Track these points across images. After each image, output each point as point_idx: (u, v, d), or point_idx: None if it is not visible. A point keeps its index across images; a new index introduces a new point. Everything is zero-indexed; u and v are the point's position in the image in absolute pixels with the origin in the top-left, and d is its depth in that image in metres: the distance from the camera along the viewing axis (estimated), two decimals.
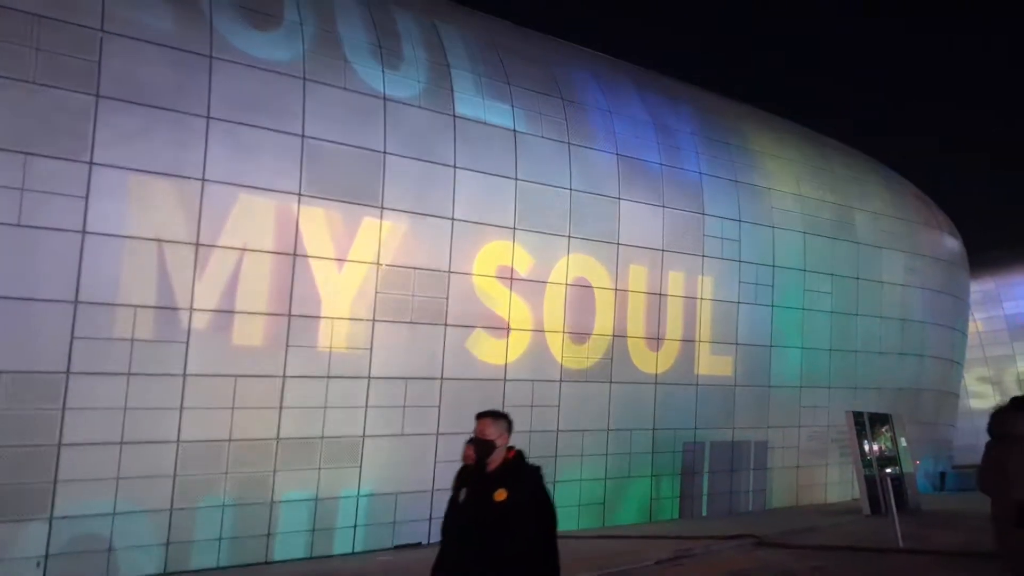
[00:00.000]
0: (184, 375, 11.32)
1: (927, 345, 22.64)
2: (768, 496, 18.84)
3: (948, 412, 24.95)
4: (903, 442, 17.55)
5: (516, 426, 16.06)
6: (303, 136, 12.50)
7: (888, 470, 16.22)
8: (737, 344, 18.02)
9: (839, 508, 17.40)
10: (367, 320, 12.99)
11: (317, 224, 12.54)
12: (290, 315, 12.23)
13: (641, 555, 9.98)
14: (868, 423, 16.84)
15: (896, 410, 19.10)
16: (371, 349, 13.01)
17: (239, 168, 11.93)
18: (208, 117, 11.70)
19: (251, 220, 11.99)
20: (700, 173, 17.62)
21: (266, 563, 11.76)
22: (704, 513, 17.38)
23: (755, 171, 18.73)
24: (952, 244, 24.56)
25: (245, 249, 11.90)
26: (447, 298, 13.87)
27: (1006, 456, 5.38)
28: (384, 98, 13.43)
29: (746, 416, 18.31)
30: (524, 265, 14.77)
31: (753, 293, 18.26)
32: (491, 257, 14.42)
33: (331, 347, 12.58)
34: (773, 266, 18.58)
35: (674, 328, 16.93)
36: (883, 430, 17.26)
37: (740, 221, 18.04)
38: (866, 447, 16.44)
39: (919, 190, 24.58)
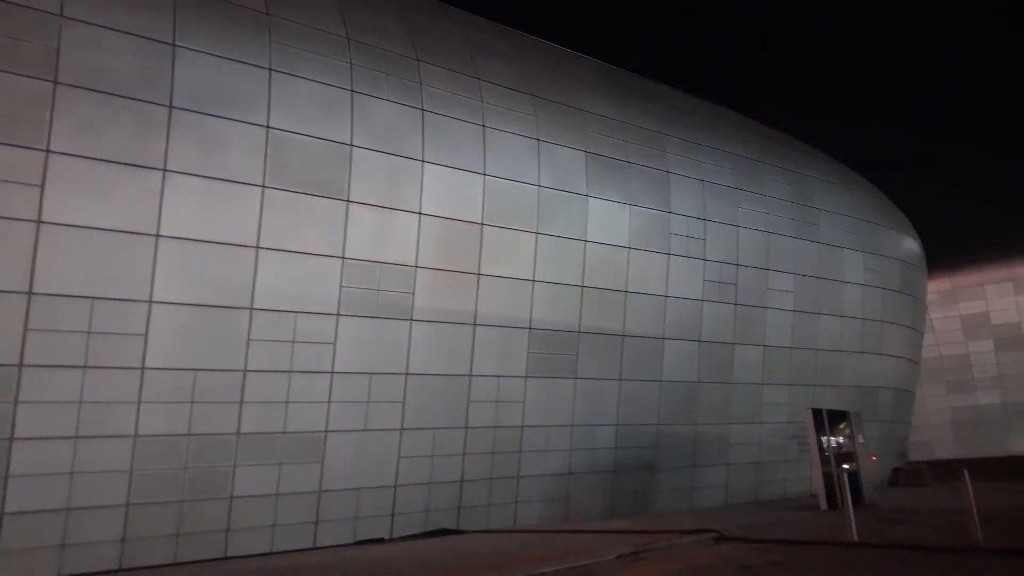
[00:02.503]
0: (142, 368, 11.14)
1: (886, 344, 23.11)
2: (729, 491, 19.11)
3: (905, 410, 25.53)
4: (860, 439, 17.90)
5: (480, 422, 16.06)
6: (268, 127, 12.35)
7: (845, 466, 16.54)
8: (700, 341, 18.23)
9: (797, 503, 17.70)
10: (331, 314, 12.88)
11: (281, 217, 12.40)
12: (252, 308, 12.09)
13: (602, 550, 10.04)
14: (827, 420, 17.15)
15: (855, 407, 19.50)
16: (335, 344, 12.91)
17: (202, 159, 11.74)
18: (171, 107, 11.50)
19: (213, 212, 11.82)
20: (667, 172, 17.76)
21: (224, 558, 11.63)
22: (666, 508, 17.57)
23: (721, 171, 18.92)
24: (911, 245, 25.09)
25: (207, 241, 11.73)
26: (413, 293, 13.82)
27: None
28: (352, 91, 13.31)
29: (708, 412, 18.55)
30: (491, 261, 14.75)
31: (717, 291, 18.48)
32: (458, 252, 14.39)
33: (294, 341, 12.46)
34: (737, 264, 18.82)
35: (639, 325, 17.06)
36: (842, 427, 17.59)
37: (706, 220, 18.23)
38: (824, 443, 16.74)
39: (880, 192, 25.05)
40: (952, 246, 32.72)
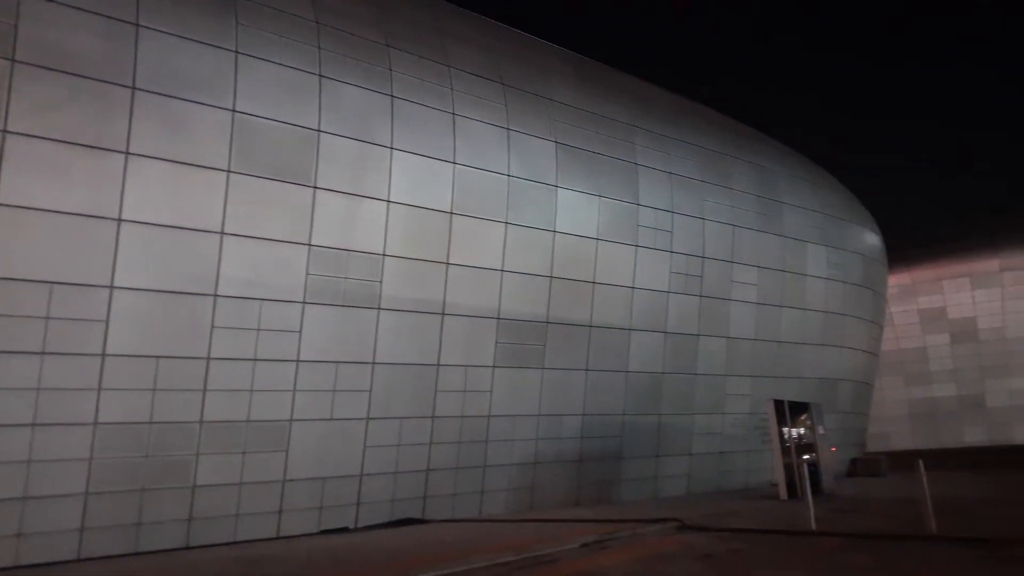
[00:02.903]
0: (103, 355, 10.93)
1: (847, 337, 23.57)
2: (692, 480, 19.39)
3: (864, 402, 26.10)
4: (820, 430, 18.27)
5: (447, 411, 16.01)
6: (234, 111, 12.14)
7: (806, 457, 16.87)
8: (666, 333, 18.41)
9: (758, 493, 18.03)
10: (297, 302, 12.76)
11: (246, 202, 12.22)
12: (216, 295, 11.91)
13: (567, 539, 10.14)
14: (788, 411, 17.46)
15: (816, 399, 19.89)
16: (301, 332, 12.79)
17: (165, 142, 11.51)
18: (133, 88, 11.24)
19: (177, 196, 11.60)
20: (636, 164, 17.85)
21: (186, 548, 11.51)
22: (630, 497, 17.77)
23: (688, 163, 19.08)
24: (873, 240, 25.58)
25: (170, 226, 11.52)
26: (381, 281, 13.73)
27: None
28: (320, 75, 13.15)
29: (672, 403, 18.78)
30: (460, 250, 14.72)
31: (683, 283, 18.67)
32: (427, 241, 14.32)
33: (259, 329, 12.32)
34: (703, 257, 19.02)
35: (607, 316, 17.18)
36: (802, 418, 17.92)
37: (673, 212, 18.38)
38: (786, 434, 17.05)
39: (844, 187, 25.49)
40: (912, 241, 33.40)
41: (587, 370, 16.97)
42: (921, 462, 10.49)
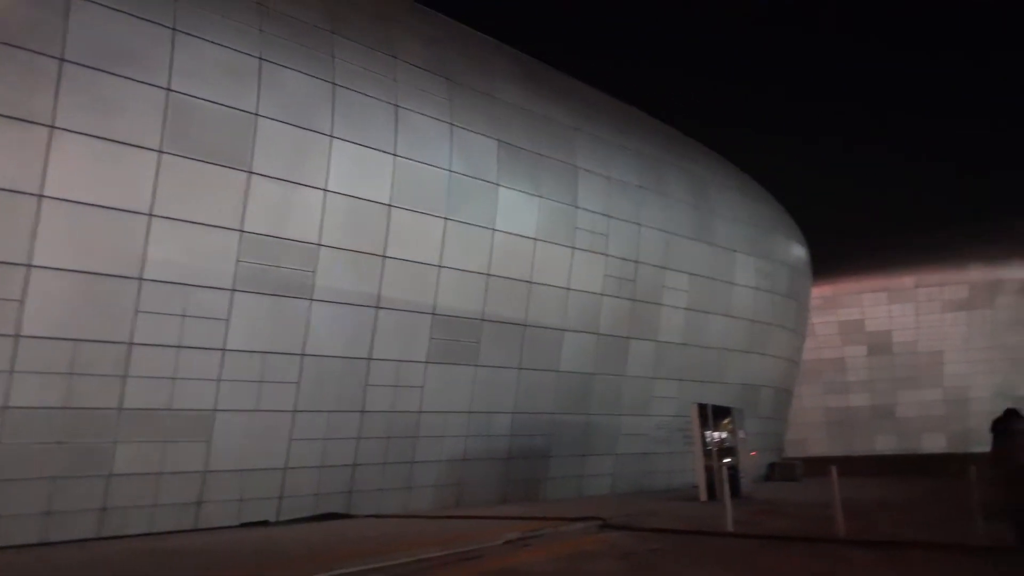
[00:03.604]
0: (17, 336, 10.45)
1: (770, 345, 24.38)
2: (616, 480, 19.74)
3: (783, 408, 27.04)
4: (741, 434, 18.84)
5: (377, 406, 15.87)
6: (168, 90, 11.76)
7: (726, 460, 17.37)
8: (598, 334, 18.69)
9: (680, 494, 18.47)
10: (226, 289, 12.45)
11: (178, 184, 11.84)
12: (142, 279, 11.53)
13: (491, 536, 10.20)
14: (712, 415, 17.94)
15: (738, 404, 20.50)
16: (228, 320, 12.49)
17: (94, 118, 11.06)
18: (62, 59, 10.77)
19: (104, 174, 11.17)
20: (576, 167, 18.05)
21: (98, 539, 11.11)
22: (556, 495, 17.98)
23: (627, 168, 19.39)
24: (799, 252, 26.51)
25: (95, 205, 11.08)
26: (314, 272, 13.52)
27: (1010, 443, 8.56)
28: (260, 58, 12.85)
29: (601, 403, 19.08)
30: (397, 243, 14.61)
31: (617, 286, 18.98)
32: (364, 232, 14.17)
33: (184, 315, 11.97)
34: (637, 262, 19.37)
35: (541, 315, 17.33)
36: (725, 422, 18.44)
37: (610, 217, 18.66)
38: (708, 438, 17.52)
39: (774, 199, 26.32)
40: (836, 255, 34.70)
41: (519, 368, 17.09)
42: (834, 468, 10.94)
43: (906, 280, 34.86)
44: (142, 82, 11.50)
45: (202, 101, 12.10)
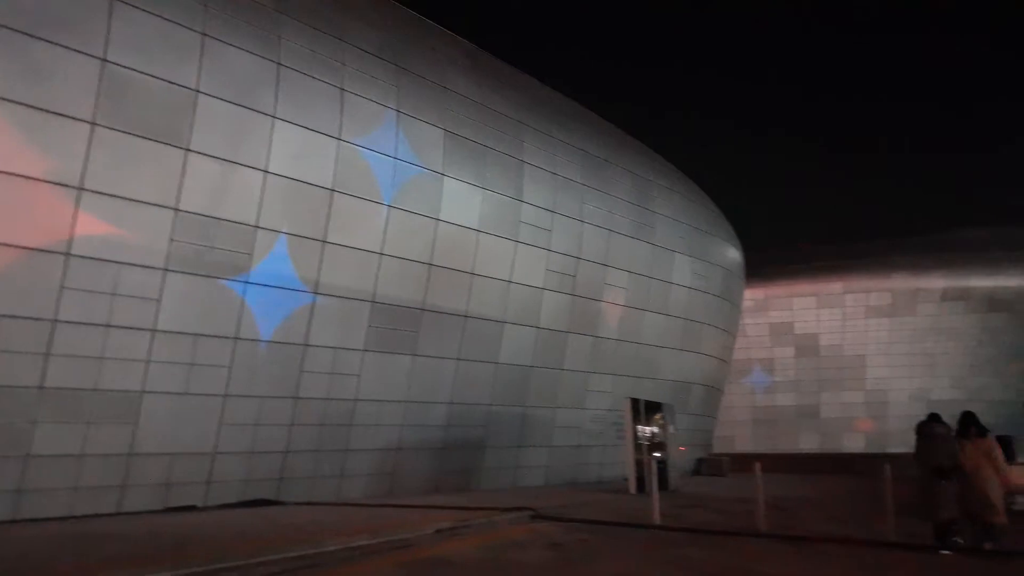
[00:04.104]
0: None
1: (703, 343, 24.97)
2: (550, 472, 19.98)
3: (713, 405, 27.76)
4: (672, 429, 19.29)
5: (311, 393, 15.68)
6: (104, 60, 11.36)
7: (657, 454, 17.75)
8: (538, 328, 18.85)
9: (611, 486, 18.80)
10: (158, 268, 12.12)
11: (110, 157, 11.45)
12: (69, 254, 11.13)
13: (422, 524, 10.22)
14: (644, 410, 18.31)
15: (670, 400, 20.97)
16: (160, 300, 12.17)
17: (22, 85, 10.61)
18: None
19: (31, 144, 10.73)
20: (522, 161, 18.13)
21: (13, 521, 10.72)
22: (490, 486, 18.10)
23: (571, 166, 19.57)
24: (734, 255, 27.21)
25: (20, 175, 10.64)
26: (251, 254, 13.27)
27: (932, 444, 9.16)
28: (203, 34, 12.51)
29: (537, 396, 19.27)
30: (338, 229, 14.44)
31: (558, 281, 19.16)
32: (304, 216, 13.97)
33: (114, 294, 11.61)
34: (578, 258, 19.59)
35: (482, 307, 17.38)
36: (656, 417, 18.85)
37: (554, 212, 18.81)
38: (639, 432, 17.89)
39: (712, 201, 26.94)
40: (769, 259, 35.74)
41: (458, 359, 17.11)
42: (758, 465, 11.32)
43: (835, 286, 36.15)
44: (76, 51, 11.09)
45: (139, 74, 11.73)
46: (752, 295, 34.16)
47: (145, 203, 11.89)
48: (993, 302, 35.11)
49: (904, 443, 30.04)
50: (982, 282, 35.15)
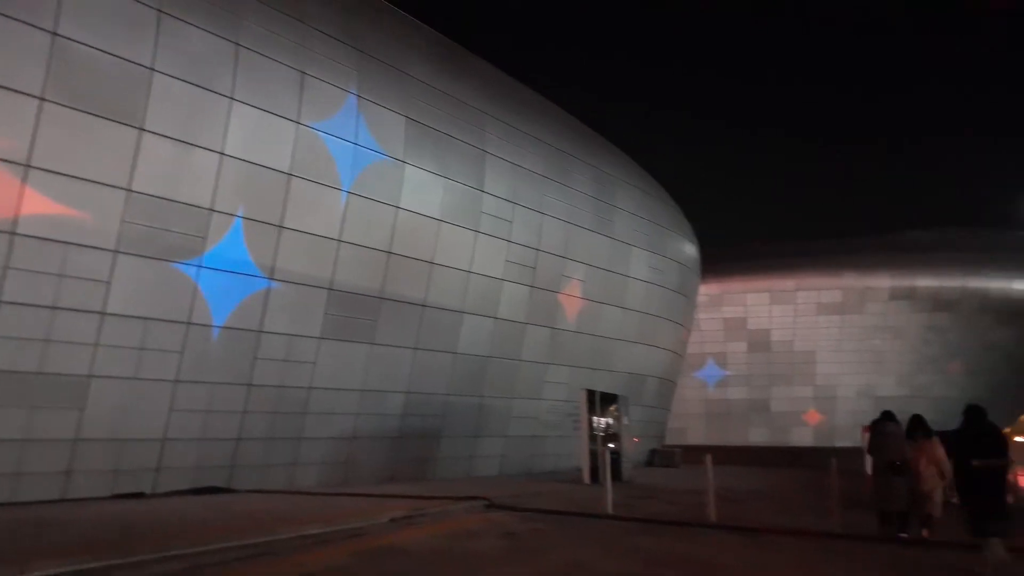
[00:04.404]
0: None
1: (658, 337, 25.30)
2: (505, 462, 20.06)
3: (666, 397, 28.16)
4: (626, 421, 19.52)
5: (265, 380, 15.48)
6: (55, 34, 10.99)
7: (611, 445, 17.96)
8: (496, 318, 18.88)
9: (565, 476, 18.97)
10: (108, 250, 11.80)
11: (60, 135, 11.11)
12: (14, 233, 10.78)
13: (376, 513, 10.19)
14: (599, 401, 18.49)
15: (624, 392, 21.21)
16: (109, 282, 11.86)
17: None
18: None
19: None
20: (484, 151, 18.08)
21: None
22: (445, 475, 18.10)
23: (533, 157, 19.59)
24: (690, 250, 27.58)
25: None
26: (205, 238, 13.01)
27: (884, 441, 9.78)
28: (159, 11, 12.19)
29: (494, 386, 19.30)
30: (296, 214, 14.24)
31: (518, 273, 19.19)
32: (260, 200, 13.74)
33: (62, 275, 11.29)
34: (538, 250, 19.65)
35: (441, 297, 17.32)
36: (611, 409, 19.05)
37: (515, 203, 18.82)
38: (594, 423, 18.05)
39: (670, 197, 27.25)
40: (724, 255, 36.31)
41: (416, 348, 17.05)
42: (709, 457, 11.53)
43: (787, 283, 36.88)
44: (25, 23, 10.71)
45: (92, 49, 11.38)
46: (707, 290, 34.69)
47: (96, 183, 11.56)
48: (938, 302, 36.23)
49: (851, 438, 30.97)
50: (927, 282, 36.23)
